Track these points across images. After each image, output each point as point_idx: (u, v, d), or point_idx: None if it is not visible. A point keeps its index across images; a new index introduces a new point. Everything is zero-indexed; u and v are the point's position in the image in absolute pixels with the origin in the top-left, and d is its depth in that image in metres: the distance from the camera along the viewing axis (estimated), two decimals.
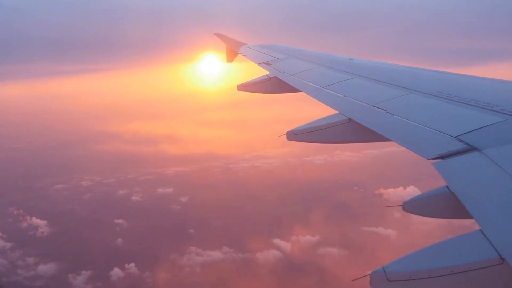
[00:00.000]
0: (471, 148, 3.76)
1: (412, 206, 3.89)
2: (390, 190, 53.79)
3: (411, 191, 51.98)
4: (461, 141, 3.93)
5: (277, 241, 44.28)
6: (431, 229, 44.31)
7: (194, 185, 58.79)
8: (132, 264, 41.48)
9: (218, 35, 15.84)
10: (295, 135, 5.86)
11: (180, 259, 42.60)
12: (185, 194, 56.30)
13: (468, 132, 4.05)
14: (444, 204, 3.58)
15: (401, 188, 53.58)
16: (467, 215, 2.99)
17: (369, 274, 3.01)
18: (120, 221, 50.13)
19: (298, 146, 66.79)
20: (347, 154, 67.48)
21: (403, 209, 3.95)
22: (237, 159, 68.36)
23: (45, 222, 50.70)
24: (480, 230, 2.78)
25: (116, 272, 40.89)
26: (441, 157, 3.81)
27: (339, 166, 63.67)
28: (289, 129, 5.93)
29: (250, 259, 42.13)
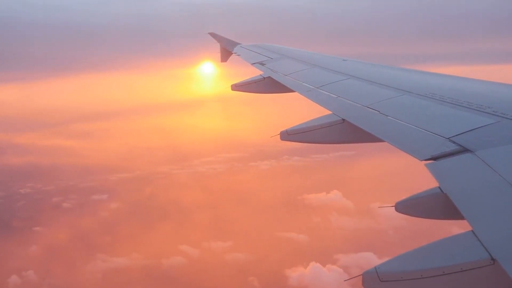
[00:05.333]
0: (463, 150, 3.78)
1: (404, 207, 3.91)
2: (312, 195, 53.77)
3: (333, 196, 52.02)
4: (454, 142, 3.95)
5: (185, 247, 44.21)
6: (347, 234, 44.54)
7: (131, 192, 57.50)
8: (31, 271, 41.44)
9: (212, 35, 15.82)
10: (288, 135, 5.88)
11: (85, 265, 42.48)
12: (118, 201, 55.34)
13: (461, 133, 4.08)
14: (436, 205, 3.60)
15: (324, 193, 53.53)
16: (459, 216, 3.01)
17: (361, 275, 3.02)
18: (38, 228, 49.44)
19: (250, 151, 66.49)
20: (295, 158, 66.71)
21: (396, 209, 3.96)
22: (185, 164, 67.05)
23: None
24: (471, 231, 2.80)
25: (14, 279, 40.98)
26: (434, 158, 3.82)
27: (280, 171, 62.73)
28: (283, 129, 5.95)
29: (154, 265, 42.09)
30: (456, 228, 3.06)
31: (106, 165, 66.88)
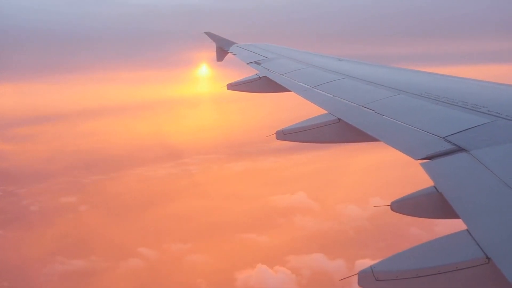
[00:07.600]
0: (458, 149, 3.80)
1: (400, 206, 3.91)
2: (278, 197, 53.36)
3: (297, 198, 51.73)
4: (449, 142, 3.96)
5: (144, 249, 43.38)
6: (306, 235, 44.27)
7: (98, 194, 55.45)
8: None
9: (208, 34, 15.80)
10: (284, 134, 5.88)
11: (42, 268, 41.55)
12: (87, 203, 53.60)
13: (456, 133, 4.09)
14: (431, 204, 3.61)
15: (288, 194, 53.39)
16: (454, 215, 3.02)
17: (357, 274, 3.02)
18: (0, 232, 47.93)
19: (230, 152, 65.60)
20: (271, 159, 65.76)
21: (391, 209, 3.97)
22: (160, 166, 65.91)
23: None
24: (466, 230, 2.81)
25: None
26: (429, 158, 3.83)
27: (252, 172, 62.05)
28: (279, 128, 5.95)
29: (110, 267, 41.33)
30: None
31: (87, 163, 66.24)
